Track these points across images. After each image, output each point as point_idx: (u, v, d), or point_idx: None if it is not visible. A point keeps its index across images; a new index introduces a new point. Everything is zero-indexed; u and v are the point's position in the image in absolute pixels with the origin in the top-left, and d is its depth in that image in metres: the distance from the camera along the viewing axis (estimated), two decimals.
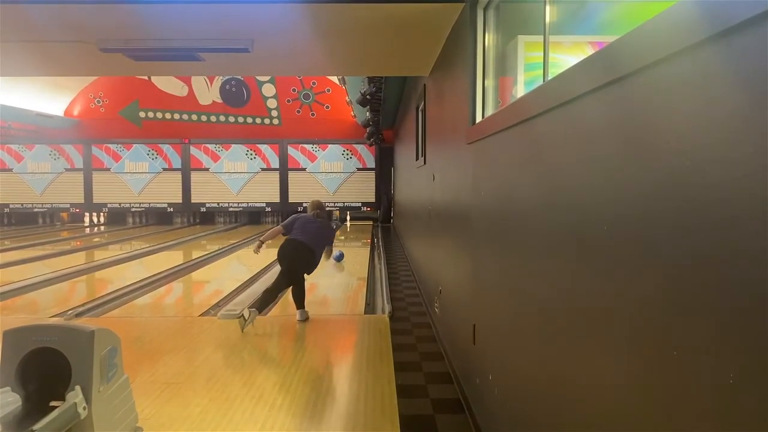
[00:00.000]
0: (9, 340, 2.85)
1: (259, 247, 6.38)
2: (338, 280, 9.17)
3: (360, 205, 20.50)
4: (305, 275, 6.31)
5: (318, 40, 5.28)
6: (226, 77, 20.02)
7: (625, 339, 1.54)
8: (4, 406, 2.66)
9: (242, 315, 5.81)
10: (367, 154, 20.38)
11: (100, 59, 5.67)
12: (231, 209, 20.47)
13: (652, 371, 1.38)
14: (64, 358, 2.83)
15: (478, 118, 3.71)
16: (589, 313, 1.78)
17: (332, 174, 20.35)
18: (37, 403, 2.79)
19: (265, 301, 6.03)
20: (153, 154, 20.31)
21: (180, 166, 20.29)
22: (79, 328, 2.94)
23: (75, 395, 2.73)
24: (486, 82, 3.68)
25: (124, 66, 6.05)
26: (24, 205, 20.41)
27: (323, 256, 6.48)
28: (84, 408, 2.74)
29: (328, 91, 20.18)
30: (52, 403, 2.78)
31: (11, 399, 2.73)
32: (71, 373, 2.81)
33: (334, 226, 6.75)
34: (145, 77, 19.78)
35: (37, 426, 2.48)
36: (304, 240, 6.20)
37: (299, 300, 6.24)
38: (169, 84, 20.24)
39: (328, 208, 19.95)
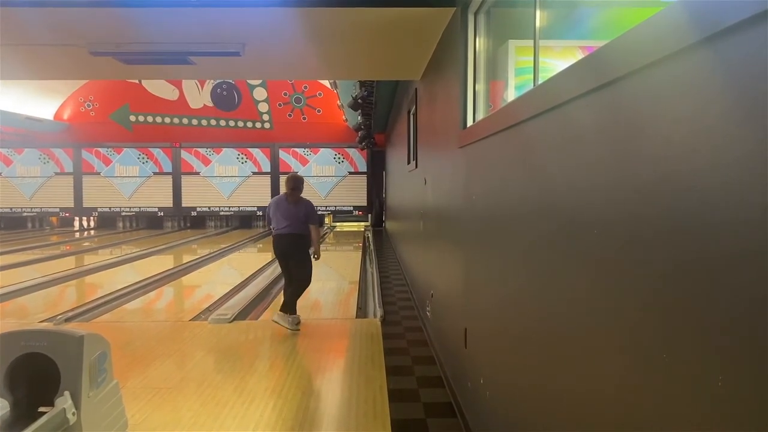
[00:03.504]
0: None
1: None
2: (330, 284, 9.16)
3: (352, 208, 20.50)
4: (310, 275, 6.24)
5: (309, 44, 5.28)
6: (217, 81, 19.99)
7: (615, 342, 1.54)
8: None
9: (282, 324, 5.90)
10: (359, 158, 20.39)
11: (91, 63, 5.65)
12: (222, 213, 20.41)
13: (642, 375, 1.39)
14: (53, 364, 2.80)
15: (470, 122, 3.72)
16: (579, 317, 1.79)
17: (324, 178, 20.35)
18: (25, 409, 2.77)
19: (292, 302, 6.06)
20: (144, 158, 20.23)
21: (171, 170, 20.22)
22: (69, 333, 2.92)
23: (64, 401, 2.71)
24: (477, 86, 3.69)
25: (115, 70, 6.03)
26: (13, 209, 20.26)
27: (314, 255, 6.40)
28: (73, 413, 2.72)
29: (320, 95, 20.18)
30: (41, 409, 2.76)
31: None
32: (60, 378, 2.79)
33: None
34: (136, 81, 19.71)
35: None
36: (285, 231, 6.09)
37: (291, 304, 6.10)
38: (159, 88, 20.17)
39: (320, 212, 19.93)
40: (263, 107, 20.45)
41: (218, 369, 4.91)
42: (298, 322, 6.08)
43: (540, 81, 2.40)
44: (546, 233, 2.10)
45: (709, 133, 1.13)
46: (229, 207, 20.28)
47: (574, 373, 1.83)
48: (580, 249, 1.77)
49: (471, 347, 3.49)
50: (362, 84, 9.40)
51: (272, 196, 19.61)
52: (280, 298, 6.35)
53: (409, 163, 8.44)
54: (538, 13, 2.48)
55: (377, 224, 20.12)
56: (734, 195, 1.03)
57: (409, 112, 8.35)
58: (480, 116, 3.61)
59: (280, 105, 20.42)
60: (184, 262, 12.38)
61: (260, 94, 20.31)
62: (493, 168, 2.97)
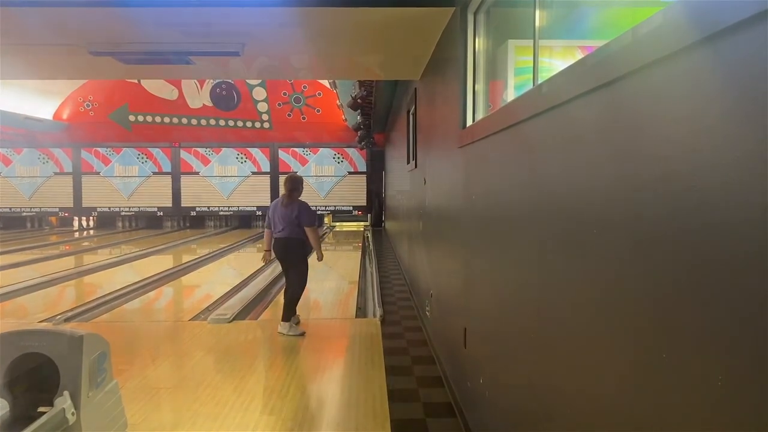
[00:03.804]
0: None
1: (265, 258, 6.29)
2: (330, 284, 9.16)
3: (351, 208, 20.50)
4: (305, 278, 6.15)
5: (308, 44, 5.27)
6: (217, 81, 19.97)
7: (614, 341, 1.54)
8: None
9: (288, 333, 5.82)
10: (358, 158, 20.39)
11: (91, 63, 5.65)
12: (221, 213, 20.40)
13: (642, 374, 1.39)
14: (53, 364, 2.80)
15: (469, 122, 3.72)
16: (578, 317, 1.79)
17: (323, 177, 20.35)
18: (24, 409, 2.76)
19: (291, 308, 5.97)
20: (143, 158, 20.22)
21: (170, 170, 20.21)
22: (68, 333, 2.92)
23: (63, 401, 2.70)
24: (476, 85, 3.69)
25: (115, 70, 6.02)
26: (12, 209, 20.25)
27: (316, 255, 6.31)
28: (72, 414, 2.72)
29: (319, 94, 20.16)
30: (40, 409, 2.75)
31: None
32: (60, 378, 2.79)
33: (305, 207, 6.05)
34: (135, 81, 19.70)
35: (26, 431, 2.46)
36: (280, 235, 5.97)
37: (287, 311, 5.98)
38: (159, 87, 20.14)
39: (319, 212, 19.95)
40: (262, 107, 20.43)
41: (218, 369, 4.90)
42: (298, 322, 6.06)
43: (540, 81, 2.40)
44: (546, 233, 2.10)
45: (709, 133, 1.13)
46: (229, 207, 20.28)
47: (574, 373, 1.83)
48: (579, 248, 1.77)
49: (470, 347, 3.49)
50: (361, 84, 9.40)
51: (272, 196, 19.68)
52: (280, 298, 6.35)
53: (408, 162, 8.43)
54: (537, 12, 2.48)
55: (377, 224, 20.12)
56: (736, 195, 1.03)
57: (408, 111, 8.34)
58: (480, 116, 3.60)
59: (279, 105, 20.40)
60: (184, 262, 12.37)
61: (259, 93, 20.29)
62: (493, 168, 2.97)
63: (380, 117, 14.37)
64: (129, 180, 20.23)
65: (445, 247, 4.67)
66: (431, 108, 5.58)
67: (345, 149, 20.31)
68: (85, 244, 16.20)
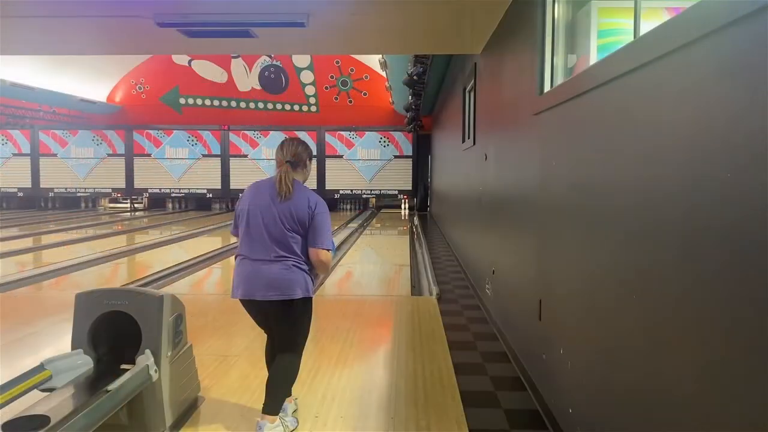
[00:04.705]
0: (81, 303, 2.86)
1: None
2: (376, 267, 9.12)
3: (397, 192, 20.38)
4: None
5: (369, 15, 5.16)
6: (265, 64, 20.12)
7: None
8: (77, 368, 2.67)
9: None
10: (404, 142, 20.25)
11: (153, 37, 5.70)
12: None
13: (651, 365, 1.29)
14: (134, 322, 2.82)
15: (547, 88, 3.58)
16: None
17: (369, 161, 20.28)
18: (108, 366, 2.80)
19: None
20: (193, 140, 20.52)
21: (219, 152, 20.47)
22: (149, 292, 2.94)
23: (146, 358, 2.72)
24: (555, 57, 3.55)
25: (177, 44, 6.06)
26: (68, 189, 20.85)
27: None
28: (155, 371, 2.74)
29: (366, 77, 20.10)
30: (123, 366, 2.78)
31: (83, 361, 2.74)
32: (141, 337, 2.81)
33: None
34: (185, 64, 20.02)
35: (112, 387, 2.48)
36: None
37: None
38: (208, 70, 20.41)
39: (364, 196, 19.98)
40: (310, 90, 20.50)
41: None
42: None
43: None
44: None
45: (713, 129, 1.02)
46: None
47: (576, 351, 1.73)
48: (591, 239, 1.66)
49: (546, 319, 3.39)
50: (417, 60, 9.26)
51: (318, 178, 19.71)
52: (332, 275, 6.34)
53: (464, 141, 8.30)
54: None
55: (422, 208, 19.99)
56: (739, 192, 0.98)
57: (465, 89, 8.20)
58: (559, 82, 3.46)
59: (326, 88, 20.44)
60: (233, 242, 12.51)
61: (307, 77, 20.35)
62: (582, 134, 2.84)
63: (429, 98, 14.23)
64: (179, 162, 20.57)
65: (513, 224, 4.56)
66: (497, 80, 5.44)
67: (391, 133, 20.19)
68: (136, 224, 16.57)
